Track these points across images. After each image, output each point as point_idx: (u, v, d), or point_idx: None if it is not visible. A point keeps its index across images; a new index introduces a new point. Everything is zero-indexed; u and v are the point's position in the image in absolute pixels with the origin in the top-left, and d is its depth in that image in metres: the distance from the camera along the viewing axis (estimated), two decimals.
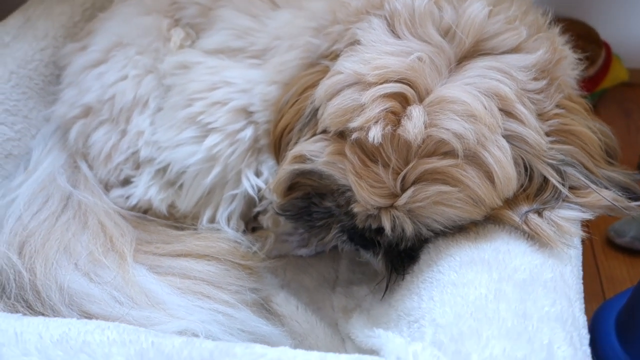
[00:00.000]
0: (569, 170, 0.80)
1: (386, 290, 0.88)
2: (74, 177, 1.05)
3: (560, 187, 0.79)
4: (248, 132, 0.97)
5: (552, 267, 0.72)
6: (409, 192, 0.76)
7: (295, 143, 0.88)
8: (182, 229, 0.99)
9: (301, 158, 0.85)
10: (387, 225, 0.79)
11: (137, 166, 1.04)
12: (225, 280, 0.88)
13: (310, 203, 0.88)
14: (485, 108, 0.75)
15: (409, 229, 0.79)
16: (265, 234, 1.00)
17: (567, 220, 0.77)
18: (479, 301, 0.68)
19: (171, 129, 1.00)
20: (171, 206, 1.02)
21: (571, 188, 0.80)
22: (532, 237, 0.77)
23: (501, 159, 0.75)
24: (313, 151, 0.83)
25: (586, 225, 1.23)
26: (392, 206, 0.78)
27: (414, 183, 0.76)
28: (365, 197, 0.78)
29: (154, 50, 1.08)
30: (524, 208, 0.78)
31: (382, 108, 0.75)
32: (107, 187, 1.05)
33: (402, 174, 0.76)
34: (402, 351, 0.64)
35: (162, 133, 1.01)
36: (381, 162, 0.77)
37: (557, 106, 0.84)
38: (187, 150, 0.97)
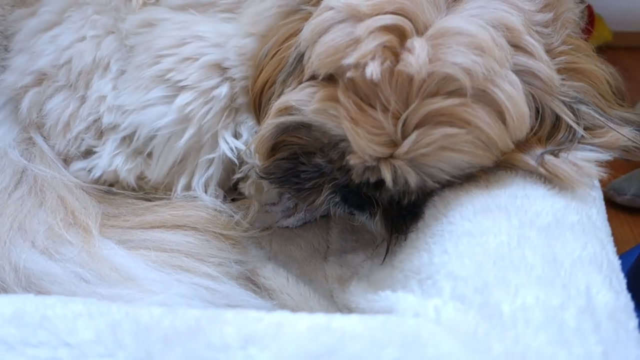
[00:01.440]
0: (583, 108, 0.74)
1: (387, 253, 0.80)
2: (28, 151, 0.94)
3: (575, 125, 0.72)
4: (223, 90, 0.87)
5: (577, 210, 0.65)
6: (411, 138, 0.68)
7: (279, 96, 0.79)
8: (154, 200, 0.88)
9: (287, 110, 0.75)
10: (387, 177, 0.70)
11: (100, 135, 0.93)
12: (206, 251, 0.79)
13: (298, 163, 0.79)
14: (494, 40, 0.68)
15: (413, 180, 0.71)
16: (248, 203, 0.91)
17: (586, 161, 0.70)
18: (501, 249, 0.60)
19: (137, 90, 0.90)
20: (140, 177, 0.92)
21: (585, 129, 0.74)
22: (550, 180, 0.69)
23: (513, 94, 0.68)
24: (300, 100, 0.74)
25: None
26: (392, 156, 0.70)
27: (416, 127, 0.68)
28: (363, 145, 0.69)
29: (113, 9, 0.98)
30: (538, 150, 0.71)
31: (379, 41, 0.67)
32: (66, 160, 0.95)
33: (403, 117, 0.67)
34: (420, 307, 0.56)
35: (127, 95, 0.91)
36: (379, 105, 0.68)
37: (564, 43, 0.77)
38: (156, 111, 0.87)
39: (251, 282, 0.81)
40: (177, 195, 0.88)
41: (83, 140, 0.93)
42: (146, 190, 0.93)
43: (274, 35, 0.84)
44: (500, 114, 0.68)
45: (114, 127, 0.92)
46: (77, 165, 0.93)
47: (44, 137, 0.96)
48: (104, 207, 0.87)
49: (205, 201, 0.86)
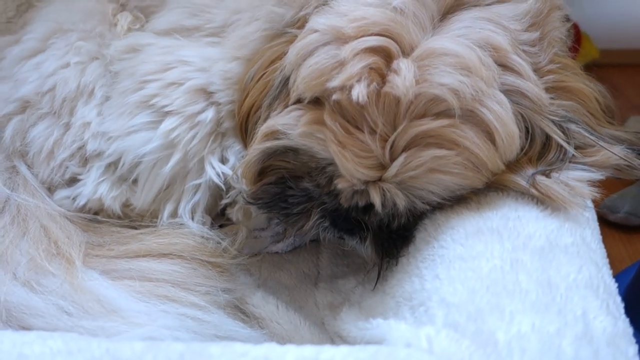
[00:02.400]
0: (572, 127, 0.73)
1: (378, 278, 0.78)
2: (11, 179, 0.92)
3: (565, 145, 0.71)
4: (209, 114, 0.86)
5: (571, 231, 0.64)
6: (399, 160, 0.66)
7: (265, 120, 0.78)
8: (139, 228, 0.86)
9: (273, 134, 0.74)
10: (376, 200, 0.69)
11: (84, 162, 0.91)
12: (193, 280, 0.77)
13: (286, 187, 0.78)
14: (480, 60, 0.67)
15: (402, 203, 0.69)
16: (236, 229, 0.89)
17: (578, 181, 0.69)
18: (494, 274, 0.59)
19: (122, 116, 0.88)
20: (125, 204, 0.90)
21: (576, 147, 0.72)
22: (542, 201, 0.68)
23: (501, 114, 0.67)
24: (286, 124, 0.72)
25: None
26: (380, 179, 0.68)
27: (404, 150, 0.67)
28: (351, 169, 0.68)
29: (98, 35, 0.97)
30: (529, 171, 0.70)
31: (365, 63, 0.66)
32: (50, 189, 0.93)
33: (391, 139, 0.66)
34: (412, 337, 0.54)
35: (111, 122, 0.89)
36: (366, 127, 0.67)
37: (552, 62, 0.76)
38: (141, 137, 0.86)
39: (240, 311, 0.79)
40: (163, 222, 0.86)
41: (67, 168, 0.91)
42: (132, 218, 0.91)
43: (259, 58, 0.83)
44: (489, 135, 0.67)
45: (99, 154, 0.90)
46: (61, 193, 0.91)
47: (28, 166, 0.94)
48: (88, 236, 0.85)
49: (192, 228, 0.84)
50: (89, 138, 0.90)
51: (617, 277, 0.99)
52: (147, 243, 0.80)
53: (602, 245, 0.66)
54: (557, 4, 0.82)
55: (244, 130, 0.85)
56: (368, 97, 0.65)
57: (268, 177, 0.79)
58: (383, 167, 0.68)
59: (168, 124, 0.85)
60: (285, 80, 0.76)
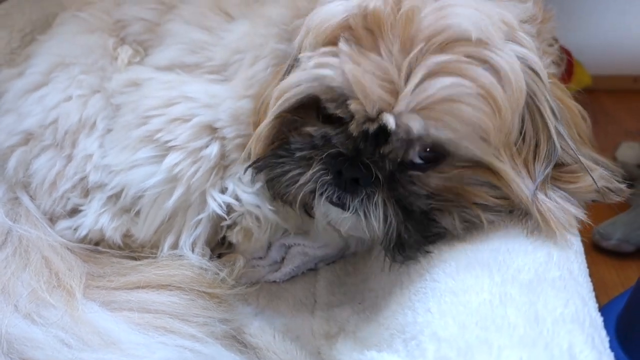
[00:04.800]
0: (561, 129, 0.73)
1: (392, 260, 0.74)
2: (13, 210, 0.94)
3: (554, 136, 0.71)
4: (214, 149, 0.88)
5: (559, 265, 0.65)
6: (414, 81, 0.64)
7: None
8: (140, 259, 0.88)
9: (286, 88, 0.73)
10: (390, 120, 0.65)
11: (86, 193, 0.93)
12: (191, 311, 0.78)
13: (287, 147, 0.76)
14: (496, 14, 0.69)
15: (416, 126, 0.65)
16: (234, 258, 0.90)
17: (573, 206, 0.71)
18: (483, 308, 0.60)
19: (124, 150, 0.90)
20: (127, 235, 0.91)
21: (557, 165, 0.73)
22: (532, 232, 0.70)
23: (513, 65, 0.67)
24: (296, 76, 0.72)
25: None
26: (395, 107, 0.66)
27: (421, 75, 0.65)
28: (365, 86, 0.65)
29: (99, 69, 1.00)
30: (530, 183, 0.70)
31: None
32: (52, 219, 0.94)
33: (407, 63, 0.65)
34: None
35: (114, 155, 0.91)
36: (383, 48, 0.66)
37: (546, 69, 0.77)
38: (145, 171, 0.87)
39: (237, 342, 0.80)
40: (163, 254, 0.88)
41: (69, 199, 0.93)
42: (132, 249, 0.92)
43: (271, 81, 0.84)
44: (500, 81, 0.67)
45: (100, 186, 0.92)
46: (63, 224, 0.93)
47: (30, 197, 0.95)
48: (89, 266, 0.87)
49: (192, 260, 0.86)
50: (91, 170, 0.92)
51: (609, 304, 1.01)
52: (147, 274, 0.82)
53: (588, 279, 0.68)
54: (550, 16, 0.84)
55: None
56: (384, 16, 0.66)
57: (275, 143, 0.78)
58: (397, 93, 0.66)
59: (172, 158, 0.86)
60: (294, 59, 0.77)
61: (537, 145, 0.72)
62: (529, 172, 0.72)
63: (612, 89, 1.62)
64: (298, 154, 0.73)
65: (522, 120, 0.71)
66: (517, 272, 0.64)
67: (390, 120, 0.66)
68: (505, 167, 0.70)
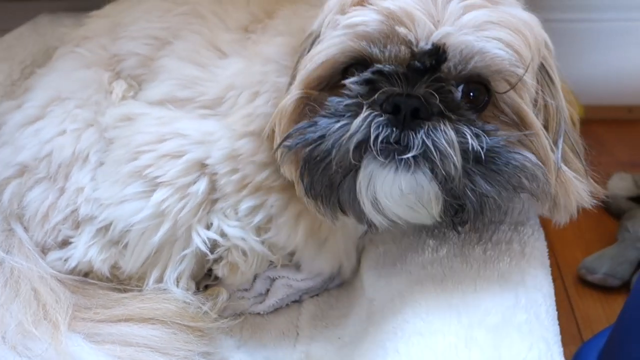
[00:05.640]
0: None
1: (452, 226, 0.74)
2: (7, 241, 0.96)
3: (564, 108, 0.76)
4: (201, 185, 0.89)
5: (526, 308, 0.67)
6: (454, 12, 0.67)
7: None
8: (126, 291, 0.90)
9: (316, 52, 0.72)
10: (448, 29, 0.65)
11: (77, 225, 0.95)
12: (172, 345, 0.80)
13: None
14: None
15: (470, 38, 0.66)
16: (217, 291, 0.92)
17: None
18: (449, 351, 0.62)
19: (114, 184, 0.92)
20: (114, 267, 0.93)
21: None
22: (503, 274, 0.71)
23: (529, 16, 0.73)
24: (329, 35, 0.71)
25: (557, 265, 1.19)
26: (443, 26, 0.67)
27: (458, 10, 0.68)
28: (410, 11, 0.66)
29: (94, 103, 1.02)
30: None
31: None
32: (44, 250, 0.96)
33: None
34: None
35: (104, 189, 0.93)
36: None
37: None
38: (133, 206, 0.89)
39: None
40: (148, 287, 0.89)
41: (60, 230, 0.95)
42: (120, 280, 0.94)
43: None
44: (519, 20, 0.70)
45: (91, 219, 0.94)
46: (54, 255, 0.95)
47: (24, 228, 0.97)
48: (77, 297, 0.89)
49: (175, 294, 0.87)
50: (82, 202, 0.94)
51: (593, 339, 1.01)
52: (131, 307, 0.84)
53: (555, 322, 0.69)
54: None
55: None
56: None
57: (302, 119, 0.73)
58: (437, 23, 0.67)
59: (160, 194, 0.88)
60: (313, 40, 0.77)
61: (545, 117, 0.75)
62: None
63: (606, 119, 1.63)
64: (342, 104, 0.66)
65: (536, 81, 0.73)
66: (485, 315, 0.65)
67: (449, 30, 0.65)
68: (537, 124, 0.71)
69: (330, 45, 0.70)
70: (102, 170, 0.96)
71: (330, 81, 0.74)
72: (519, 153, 0.68)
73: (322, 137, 0.67)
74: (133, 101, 1.03)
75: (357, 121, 0.64)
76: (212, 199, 0.92)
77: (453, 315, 0.66)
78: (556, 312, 0.70)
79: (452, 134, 0.63)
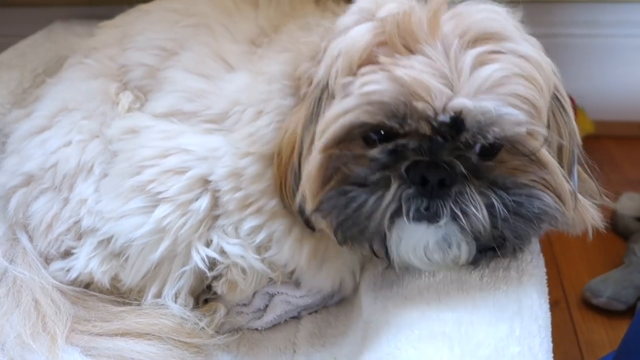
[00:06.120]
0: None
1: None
2: (11, 250, 0.97)
3: (577, 133, 0.77)
4: (203, 203, 0.89)
5: (520, 340, 0.66)
6: (467, 71, 0.67)
7: (310, 145, 0.77)
8: (126, 304, 0.91)
9: (333, 119, 0.72)
10: (466, 102, 0.66)
11: (79, 236, 0.96)
12: None
13: (347, 176, 0.73)
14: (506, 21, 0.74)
15: (491, 104, 0.66)
16: (214, 307, 0.92)
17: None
18: None
19: (117, 198, 0.92)
20: (115, 279, 0.94)
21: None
22: (498, 301, 0.71)
23: (537, 52, 0.73)
24: (340, 105, 0.71)
25: (562, 286, 1.18)
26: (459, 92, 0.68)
27: (471, 67, 0.68)
28: (425, 82, 0.66)
29: (100, 115, 1.03)
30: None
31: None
32: (47, 260, 0.97)
33: (452, 55, 0.68)
34: None
35: (106, 202, 0.94)
36: (426, 49, 0.69)
37: None
38: (134, 221, 0.90)
39: None
40: (146, 302, 0.90)
41: (63, 241, 0.95)
42: (121, 292, 0.94)
43: (286, 127, 0.85)
44: (532, 65, 0.70)
45: (93, 230, 0.94)
46: (56, 265, 0.96)
47: (29, 237, 0.98)
48: (77, 309, 0.90)
49: (173, 310, 0.88)
50: (85, 214, 0.94)
51: None
52: (128, 322, 0.84)
53: (550, 355, 0.68)
54: None
55: (283, 186, 0.84)
56: (415, 22, 0.70)
57: (330, 182, 0.75)
58: (453, 86, 0.67)
59: (161, 210, 0.88)
60: (322, 91, 0.78)
61: (560, 144, 0.76)
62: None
63: (616, 135, 1.61)
64: (371, 178, 0.70)
65: (548, 113, 0.74)
66: (477, 346, 0.65)
67: (466, 102, 0.66)
68: (552, 163, 0.72)
69: (346, 112, 0.71)
70: (105, 182, 0.96)
71: (348, 138, 0.75)
72: (539, 198, 0.71)
73: (357, 209, 0.71)
74: (139, 113, 1.04)
75: (389, 196, 0.69)
76: (213, 215, 0.92)
77: (445, 345, 0.66)
78: (551, 345, 0.69)
79: (478, 198, 0.68)
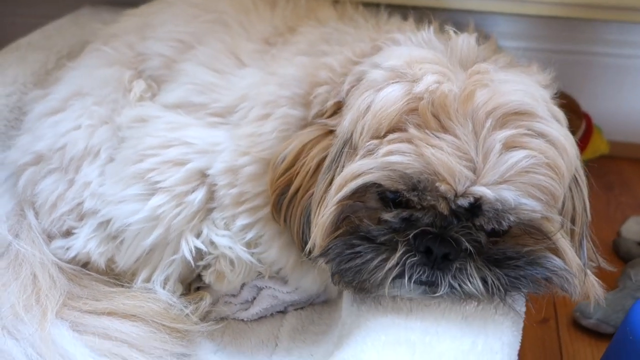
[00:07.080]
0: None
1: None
2: (17, 225, 1.02)
3: (588, 209, 0.79)
4: (199, 195, 0.93)
5: (481, 355, 0.67)
6: (494, 157, 0.69)
7: (325, 192, 0.79)
8: (118, 285, 0.95)
9: (352, 177, 0.74)
10: (487, 192, 0.68)
11: (81, 217, 1.00)
12: (150, 343, 0.84)
13: (360, 233, 0.75)
14: (534, 95, 0.76)
15: (510, 195, 0.68)
16: (200, 295, 0.96)
17: None
18: None
19: (118, 183, 0.96)
20: (110, 260, 0.98)
21: None
22: (467, 317, 0.72)
23: (563, 134, 0.74)
24: (364, 162, 0.73)
25: (553, 304, 1.18)
26: (482, 179, 0.69)
27: (498, 153, 0.70)
28: (450, 164, 0.68)
29: (112, 101, 1.07)
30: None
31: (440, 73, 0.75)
32: (49, 238, 1.02)
33: (481, 138, 0.70)
34: None
35: (108, 186, 0.98)
36: (457, 129, 0.70)
37: None
38: (131, 207, 0.93)
39: None
40: (136, 285, 0.94)
41: (65, 221, 1.00)
42: (115, 273, 0.98)
43: (291, 142, 0.87)
44: (557, 150, 0.72)
45: (93, 212, 0.98)
46: (57, 243, 1.00)
47: (35, 214, 1.03)
48: (72, 286, 0.94)
49: (160, 295, 0.91)
50: (88, 196, 0.99)
51: None
52: (116, 302, 0.88)
53: None
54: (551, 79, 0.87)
55: (277, 207, 0.88)
56: (450, 101, 0.71)
57: (340, 229, 0.77)
58: (476, 170, 0.69)
59: (157, 200, 0.91)
60: (344, 143, 0.79)
61: (573, 218, 0.78)
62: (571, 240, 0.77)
63: (631, 157, 1.58)
64: (380, 239, 0.73)
65: (565, 192, 0.76)
66: (439, 356, 0.66)
67: (486, 192, 0.68)
68: (560, 238, 0.74)
69: (366, 173, 0.73)
70: (110, 167, 1.00)
71: (363, 190, 0.76)
72: (546, 261, 0.74)
73: (361, 265, 0.74)
74: (150, 103, 1.07)
75: (394, 260, 0.72)
76: (208, 208, 0.95)
77: (408, 353, 0.67)
78: None
79: (476, 275, 0.72)
